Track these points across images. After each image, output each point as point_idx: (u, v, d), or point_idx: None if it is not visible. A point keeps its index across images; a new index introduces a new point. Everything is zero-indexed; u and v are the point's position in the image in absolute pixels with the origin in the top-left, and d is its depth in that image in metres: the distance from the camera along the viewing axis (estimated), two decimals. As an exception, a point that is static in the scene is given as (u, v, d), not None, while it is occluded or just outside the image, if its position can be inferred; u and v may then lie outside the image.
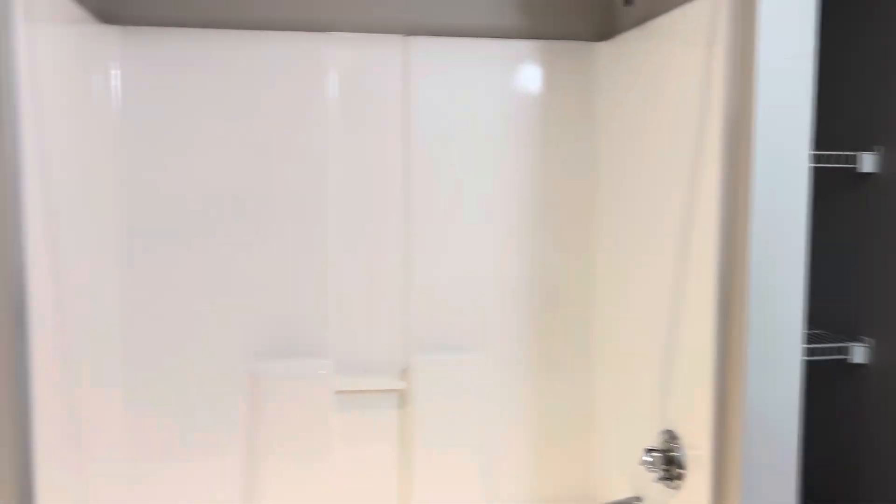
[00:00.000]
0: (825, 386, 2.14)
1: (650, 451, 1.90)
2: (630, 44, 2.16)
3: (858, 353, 1.99)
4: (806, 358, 1.74)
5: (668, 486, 1.87)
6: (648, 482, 1.97)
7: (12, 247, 1.53)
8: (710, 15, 1.72)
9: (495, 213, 2.34)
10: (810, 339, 2.03)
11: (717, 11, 1.68)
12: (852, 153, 1.97)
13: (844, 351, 2.00)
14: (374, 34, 2.26)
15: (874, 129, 1.96)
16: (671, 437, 1.88)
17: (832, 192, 2.10)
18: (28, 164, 1.57)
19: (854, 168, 1.98)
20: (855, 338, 2.02)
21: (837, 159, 1.97)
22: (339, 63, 2.24)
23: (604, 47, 2.32)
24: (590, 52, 2.34)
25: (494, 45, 2.30)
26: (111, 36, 2.14)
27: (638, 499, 2.07)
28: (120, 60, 2.16)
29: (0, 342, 1.49)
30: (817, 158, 1.95)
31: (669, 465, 1.86)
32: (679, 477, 1.84)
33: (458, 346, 2.35)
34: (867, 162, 1.95)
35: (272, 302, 2.27)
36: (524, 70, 2.32)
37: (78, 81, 1.93)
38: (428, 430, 2.31)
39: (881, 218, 1.95)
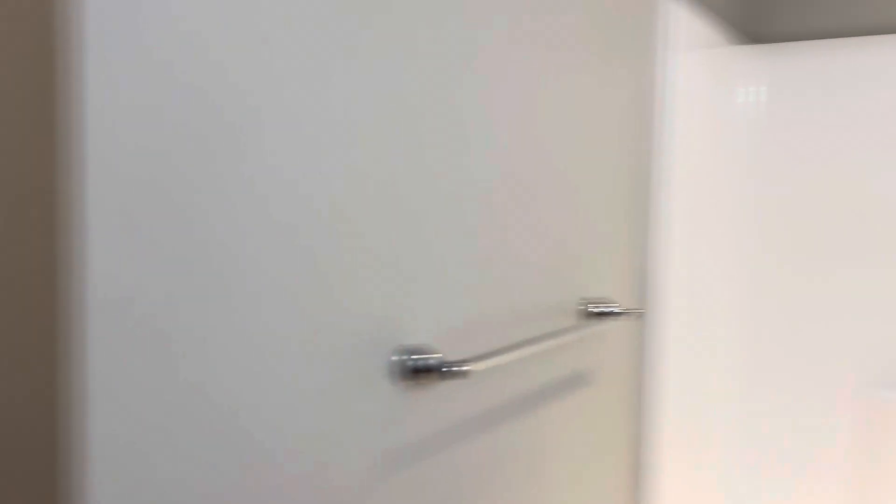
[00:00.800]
0: None
1: None
2: None
3: None
4: None
5: None
6: None
7: (642, 245, 1.73)
8: None
9: None
10: None
11: None
12: None
13: None
14: None
15: None
16: None
17: None
18: (663, 174, 1.77)
19: None
20: None
21: None
22: None
23: None
24: None
25: None
26: (758, 54, 2.24)
27: None
28: (766, 76, 2.24)
29: (632, 331, 1.70)
30: None
31: None
32: None
33: None
34: None
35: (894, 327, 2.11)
36: None
37: (722, 99, 2.08)
38: None
39: None
